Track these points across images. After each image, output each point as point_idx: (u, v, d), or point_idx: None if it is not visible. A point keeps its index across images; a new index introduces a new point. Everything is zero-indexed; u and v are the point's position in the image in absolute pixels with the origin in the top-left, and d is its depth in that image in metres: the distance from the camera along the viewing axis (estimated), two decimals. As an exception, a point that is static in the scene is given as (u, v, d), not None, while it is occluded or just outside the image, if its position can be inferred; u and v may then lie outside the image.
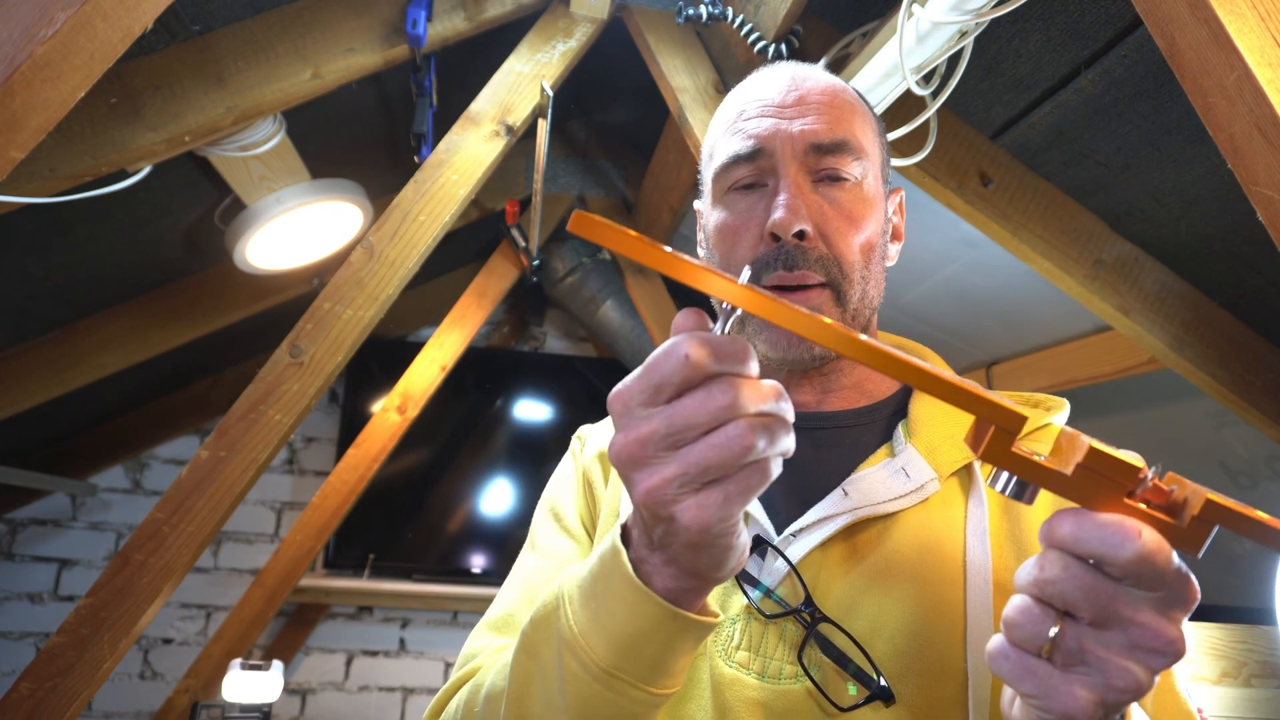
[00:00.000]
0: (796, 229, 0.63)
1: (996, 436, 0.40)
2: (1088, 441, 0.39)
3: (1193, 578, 0.39)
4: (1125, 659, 0.38)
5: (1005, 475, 0.41)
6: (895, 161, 1.29)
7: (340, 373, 1.35)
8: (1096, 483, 0.39)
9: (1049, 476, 0.40)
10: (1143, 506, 0.39)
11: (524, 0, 1.59)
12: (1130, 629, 0.38)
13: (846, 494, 0.62)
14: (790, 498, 0.65)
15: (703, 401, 0.40)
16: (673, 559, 0.46)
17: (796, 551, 0.61)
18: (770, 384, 0.41)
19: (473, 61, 1.75)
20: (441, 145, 1.46)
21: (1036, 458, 0.40)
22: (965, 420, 0.64)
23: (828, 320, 0.40)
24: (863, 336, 0.40)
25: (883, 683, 0.56)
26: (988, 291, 1.89)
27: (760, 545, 0.62)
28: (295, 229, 1.88)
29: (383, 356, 2.91)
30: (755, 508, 0.64)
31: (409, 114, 1.68)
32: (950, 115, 1.36)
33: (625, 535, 0.49)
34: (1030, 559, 0.41)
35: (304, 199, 1.80)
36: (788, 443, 0.42)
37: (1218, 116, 0.63)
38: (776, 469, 0.42)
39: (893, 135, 1.21)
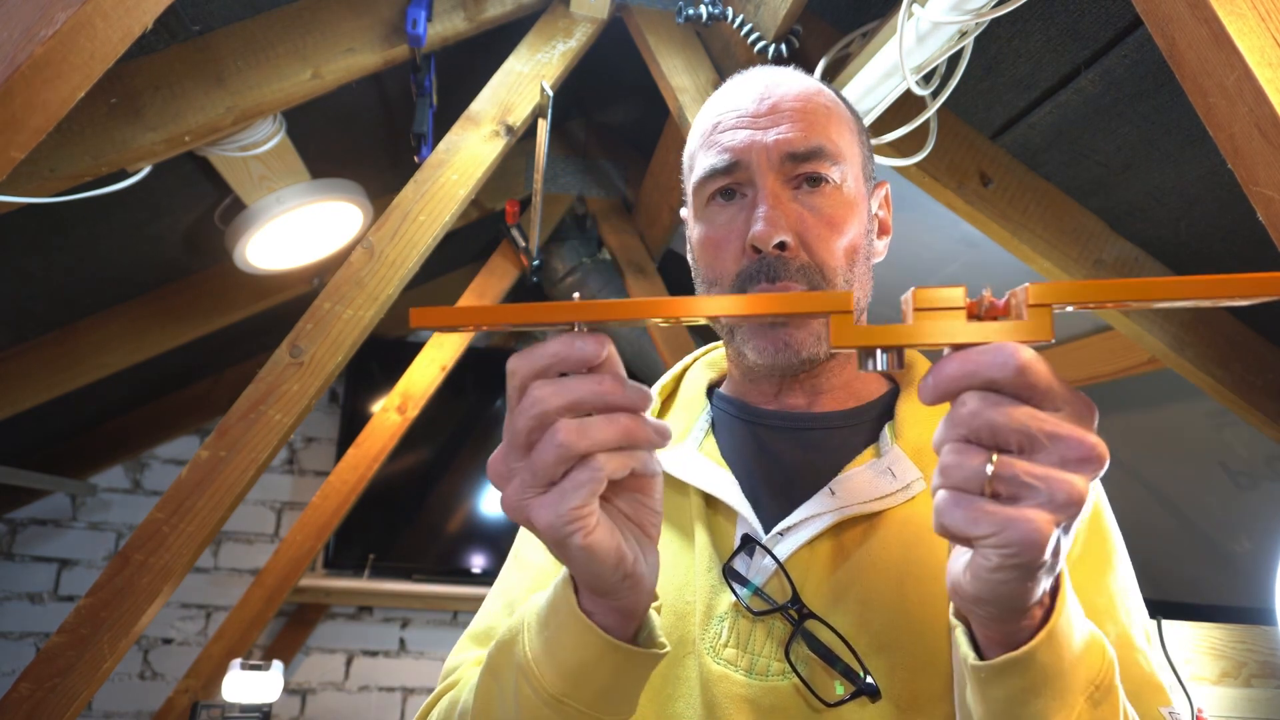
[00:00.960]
0: (776, 240, 0.63)
1: (838, 322, 0.42)
2: (913, 289, 0.42)
3: (1083, 395, 0.41)
4: (1061, 471, 0.39)
5: (869, 356, 0.43)
6: (896, 162, 1.29)
7: (340, 373, 1.35)
8: (937, 321, 0.41)
9: (898, 333, 0.42)
10: (990, 323, 0.41)
11: (524, 0, 1.59)
12: (1055, 444, 0.39)
13: (833, 493, 0.63)
14: (778, 497, 0.66)
15: (522, 408, 0.43)
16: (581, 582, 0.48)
17: (784, 550, 0.62)
18: (595, 377, 0.43)
19: (473, 61, 1.75)
20: (441, 145, 1.46)
21: (878, 325, 0.42)
22: None
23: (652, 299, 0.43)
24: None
25: (868, 679, 0.56)
26: (988, 291, 1.88)
27: (748, 544, 0.63)
28: (295, 229, 1.88)
29: (383, 356, 2.91)
30: (743, 506, 0.64)
31: (409, 114, 1.68)
32: (950, 115, 1.36)
33: None
34: (945, 416, 0.42)
35: (304, 199, 1.80)
36: (610, 433, 0.43)
37: (1218, 116, 0.63)
38: (612, 465, 0.43)
39: (893, 135, 1.22)
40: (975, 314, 0.42)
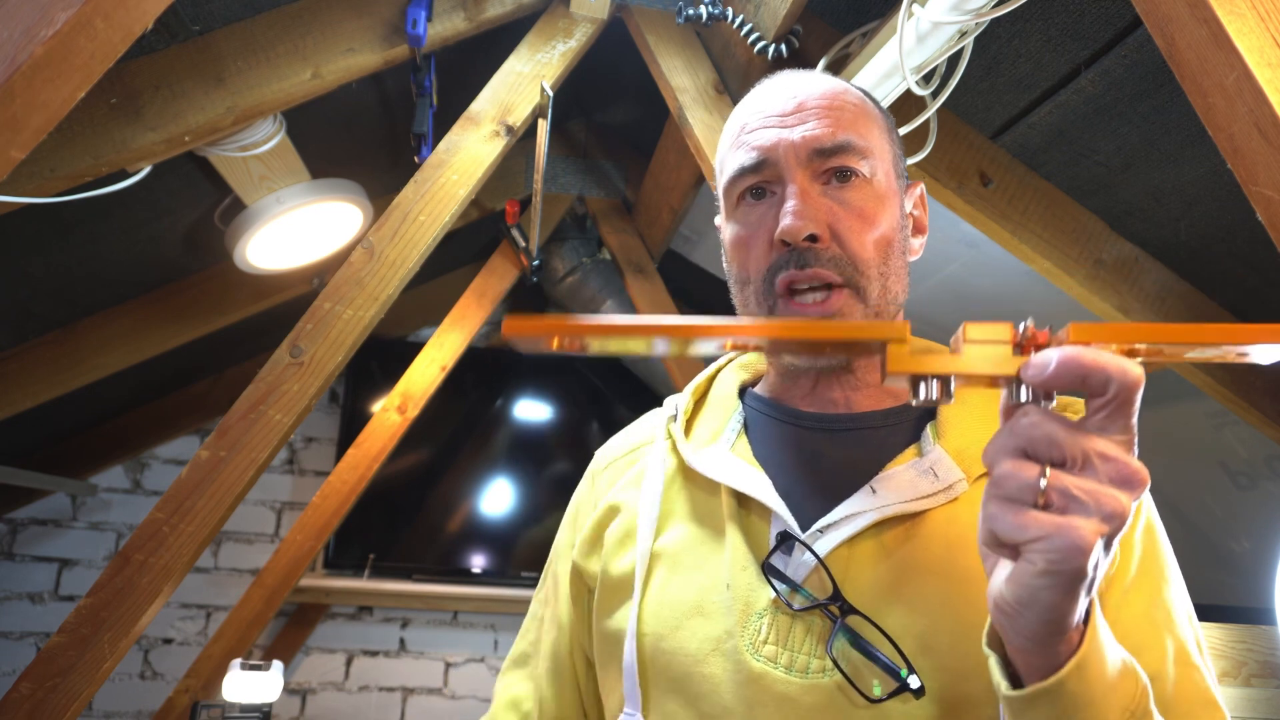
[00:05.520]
0: (806, 234, 0.64)
1: (893, 351, 0.45)
2: (963, 324, 0.45)
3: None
4: (1110, 488, 0.41)
5: (921, 386, 0.45)
6: (895, 161, 1.29)
7: (340, 373, 1.35)
8: (986, 351, 0.44)
9: (948, 363, 0.44)
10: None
11: (524, 0, 1.59)
12: (1105, 465, 0.41)
13: (874, 491, 0.63)
14: (816, 496, 0.65)
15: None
16: None
17: (823, 547, 0.61)
18: None
19: (473, 61, 1.75)
20: (441, 145, 1.46)
21: (930, 354, 0.45)
22: (995, 424, 0.67)
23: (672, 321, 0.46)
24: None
25: (912, 680, 0.56)
26: (988, 291, 1.89)
27: (787, 540, 0.62)
28: (295, 229, 1.88)
29: (383, 356, 2.91)
30: (777, 503, 0.64)
31: (409, 114, 1.68)
32: (950, 115, 1.36)
33: None
34: (999, 430, 0.44)
35: (304, 199, 1.80)
36: None
37: (1217, 116, 0.63)
38: None
39: (893, 135, 1.22)
40: (1018, 343, 0.44)
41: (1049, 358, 0.42)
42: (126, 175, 1.38)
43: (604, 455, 0.82)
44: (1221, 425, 1.73)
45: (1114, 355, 0.41)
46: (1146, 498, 0.66)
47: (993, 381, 0.45)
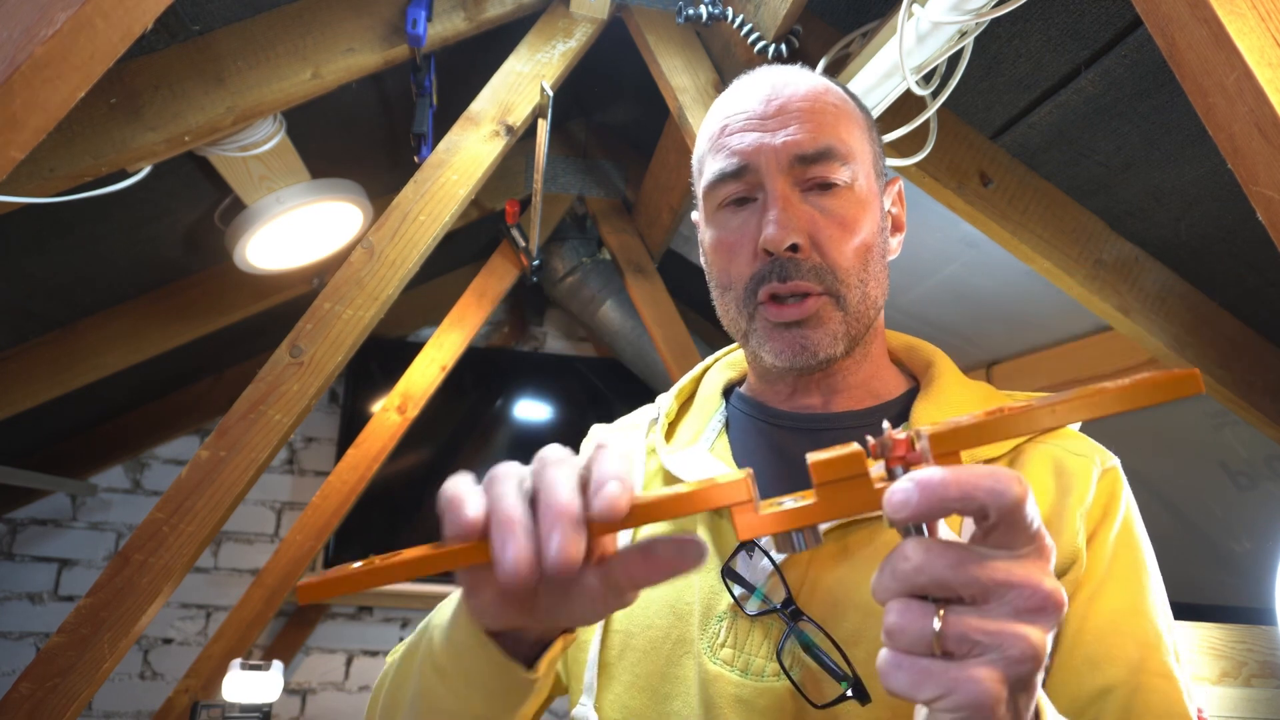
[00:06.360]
0: (788, 243, 0.64)
1: (739, 518, 0.39)
2: (810, 459, 0.39)
3: (1044, 531, 0.38)
4: (1015, 625, 0.36)
5: (782, 538, 0.40)
6: (896, 162, 1.29)
7: (340, 373, 1.35)
8: (846, 487, 0.38)
9: (806, 513, 0.39)
10: (898, 473, 0.38)
11: (524, 0, 1.59)
12: (1009, 594, 0.36)
13: None
14: None
15: None
16: None
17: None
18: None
19: (473, 61, 1.75)
20: (441, 145, 1.46)
21: (782, 507, 0.39)
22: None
23: None
24: None
25: (857, 680, 0.56)
26: (988, 291, 1.89)
27: (747, 544, 0.63)
28: (295, 229, 1.88)
29: (383, 356, 2.91)
30: None
31: (409, 114, 1.68)
32: (950, 115, 1.36)
33: None
34: (881, 566, 0.38)
35: (304, 199, 1.80)
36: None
37: (1218, 116, 0.63)
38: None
39: (893, 135, 1.22)
40: (881, 454, 0.39)
41: (908, 493, 0.36)
42: (126, 175, 1.38)
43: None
44: (1221, 425, 1.73)
45: (986, 472, 0.36)
46: (1128, 496, 0.64)
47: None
